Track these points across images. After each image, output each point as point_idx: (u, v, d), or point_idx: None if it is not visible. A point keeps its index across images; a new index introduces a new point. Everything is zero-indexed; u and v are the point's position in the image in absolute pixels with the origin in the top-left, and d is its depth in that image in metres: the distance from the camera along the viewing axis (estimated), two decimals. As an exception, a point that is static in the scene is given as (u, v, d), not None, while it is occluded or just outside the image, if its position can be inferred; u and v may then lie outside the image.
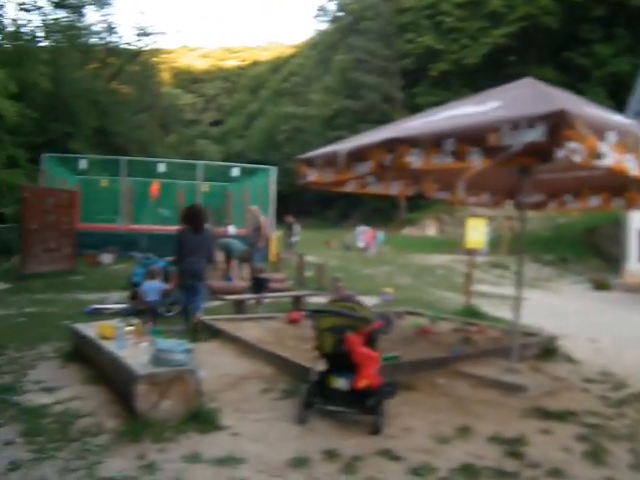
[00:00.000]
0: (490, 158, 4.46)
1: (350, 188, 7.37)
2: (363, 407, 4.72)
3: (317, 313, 4.86)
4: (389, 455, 4.28)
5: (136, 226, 19.92)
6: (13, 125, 20.98)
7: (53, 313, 9.84)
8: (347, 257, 24.59)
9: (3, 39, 29.57)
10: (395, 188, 7.78)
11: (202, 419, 4.72)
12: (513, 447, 4.52)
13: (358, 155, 5.45)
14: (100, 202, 20.40)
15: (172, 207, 21.92)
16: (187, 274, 8.17)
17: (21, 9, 30.94)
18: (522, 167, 6.07)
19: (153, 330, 6.17)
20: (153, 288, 9.44)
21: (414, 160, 4.84)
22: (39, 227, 14.17)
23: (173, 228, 18.92)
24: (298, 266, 15.00)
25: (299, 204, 42.55)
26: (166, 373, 4.70)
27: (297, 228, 20.19)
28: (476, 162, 4.53)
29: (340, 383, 4.73)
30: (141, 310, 8.94)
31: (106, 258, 17.01)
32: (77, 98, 31.10)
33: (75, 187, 19.51)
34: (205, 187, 21.35)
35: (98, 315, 9.18)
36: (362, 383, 4.56)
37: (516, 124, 4.30)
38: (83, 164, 20.21)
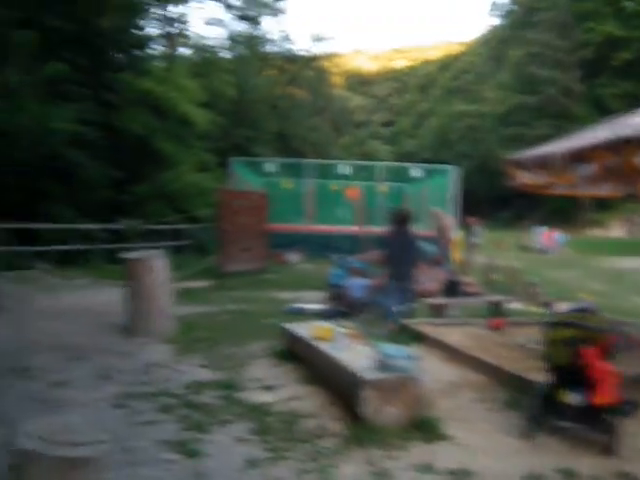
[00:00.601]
0: None
1: (559, 190, 7.06)
2: (597, 425, 4.42)
3: (552, 324, 4.64)
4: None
5: (321, 226, 20.38)
6: (203, 132, 22.42)
7: (253, 311, 10.14)
8: (526, 259, 23.60)
9: (193, 52, 31.88)
10: (605, 189, 7.33)
11: (424, 427, 4.66)
12: None
13: (578, 156, 5.18)
14: (283, 203, 21.03)
15: (350, 208, 22.21)
16: (394, 275, 8.32)
17: (206, 24, 33.21)
18: None
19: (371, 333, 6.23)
20: (358, 285, 9.61)
21: (647, 161, 4.51)
22: (234, 228, 14.74)
23: (353, 229, 19.30)
24: (486, 269, 14.58)
25: (471, 204, 41.57)
26: (391, 379, 4.70)
27: (478, 230, 19.63)
28: None
29: (572, 398, 4.46)
30: (342, 311, 9.09)
31: (293, 257, 17.58)
32: (258, 104, 32.75)
33: (261, 189, 20.34)
34: (384, 187, 21.46)
35: (298, 314, 9.35)
36: (601, 400, 4.28)
37: None
38: (270, 167, 21.08)
